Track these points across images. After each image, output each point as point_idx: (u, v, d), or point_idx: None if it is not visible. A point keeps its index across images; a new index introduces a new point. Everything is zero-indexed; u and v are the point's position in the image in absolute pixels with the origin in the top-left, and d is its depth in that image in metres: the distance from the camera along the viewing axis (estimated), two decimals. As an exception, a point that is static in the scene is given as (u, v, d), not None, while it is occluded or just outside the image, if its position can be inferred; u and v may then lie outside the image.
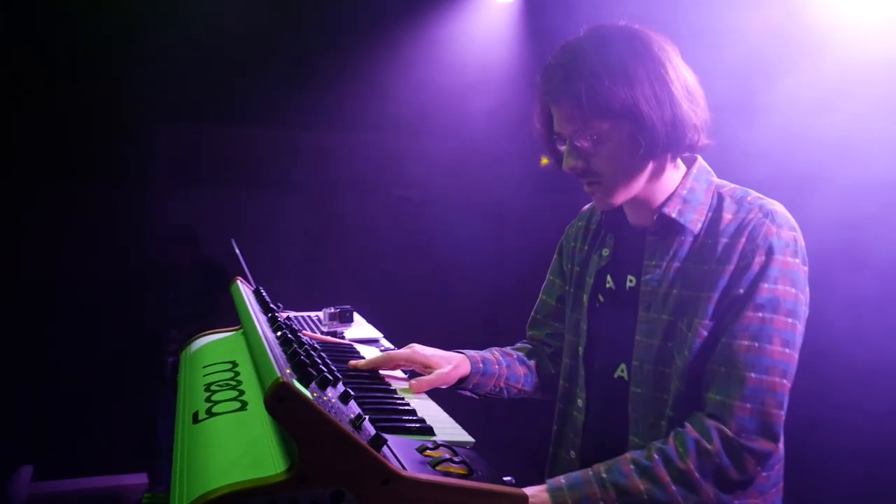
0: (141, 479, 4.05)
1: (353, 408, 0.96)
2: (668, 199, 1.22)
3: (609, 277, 1.32)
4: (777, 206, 1.17)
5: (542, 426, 1.53)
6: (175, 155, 4.35)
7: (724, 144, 1.26)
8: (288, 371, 0.93)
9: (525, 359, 1.49)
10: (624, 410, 1.24)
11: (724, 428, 1.08)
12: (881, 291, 2.03)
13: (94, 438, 3.96)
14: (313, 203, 4.64)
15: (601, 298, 1.33)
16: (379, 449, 0.83)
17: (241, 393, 1.06)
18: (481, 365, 1.40)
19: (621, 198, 1.22)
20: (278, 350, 1.05)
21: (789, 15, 2.27)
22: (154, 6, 3.77)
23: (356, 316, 1.85)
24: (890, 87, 2.04)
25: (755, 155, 2.04)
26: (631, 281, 1.27)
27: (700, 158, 1.27)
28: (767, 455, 1.09)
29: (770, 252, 1.11)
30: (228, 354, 1.29)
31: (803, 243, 1.16)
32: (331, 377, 0.95)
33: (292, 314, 1.85)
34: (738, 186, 1.23)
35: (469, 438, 1.10)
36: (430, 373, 1.35)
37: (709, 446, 1.07)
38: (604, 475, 1.07)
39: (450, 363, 1.36)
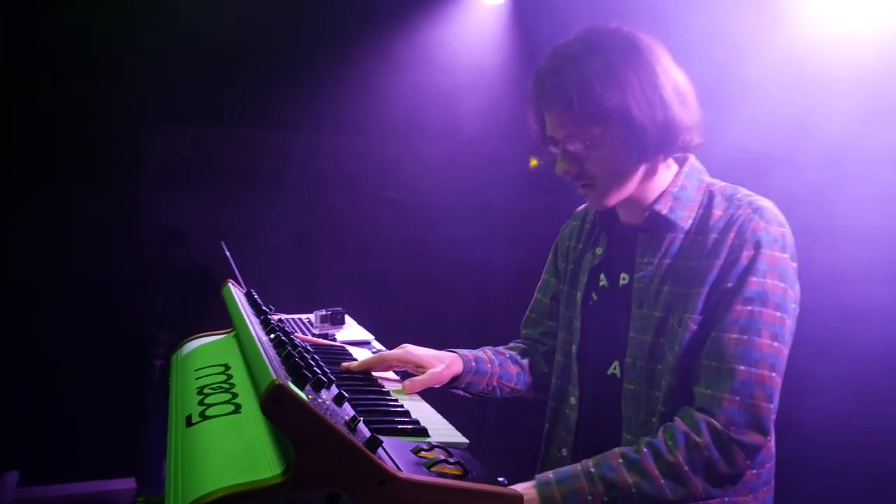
0: (129, 483, 4.02)
1: (348, 410, 0.96)
2: (660, 196, 1.23)
3: (602, 276, 1.33)
4: (766, 203, 1.18)
5: (534, 427, 1.53)
6: (164, 156, 4.32)
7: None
8: (283, 373, 0.93)
9: (518, 357, 1.49)
10: (617, 408, 1.24)
11: (713, 421, 1.08)
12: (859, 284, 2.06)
13: (82, 443, 3.92)
14: (303, 205, 4.62)
15: (595, 296, 1.34)
16: (374, 450, 0.83)
17: (235, 396, 1.05)
18: (474, 364, 1.40)
19: (615, 199, 1.23)
20: (272, 352, 1.04)
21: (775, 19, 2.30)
22: (144, 7, 3.75)
23: (347, 318, 1.84)
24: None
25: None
26: (624, 279, 1.28)
27: (692, 157, 1.28)
28: (757, 448, 1.09)
29: (758, 246, 1.13)
30: (220, 357, 1.28)
31: (792, 240, 1.17)
32: (325, 379, 0.95)
33: (283, 316, 1.84)
34: (728, 184, 1.25)
35: (463, 439, 1.10)
36: (422, 373, 1.35)
37: (698, 439, 1.07)
38: (592, 469, 1.08)
39: (442, 362, 1.36)
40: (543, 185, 3.86)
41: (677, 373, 1.16)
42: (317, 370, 1.00)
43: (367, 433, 0.87)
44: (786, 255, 1.15)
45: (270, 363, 0.94)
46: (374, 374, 1.39)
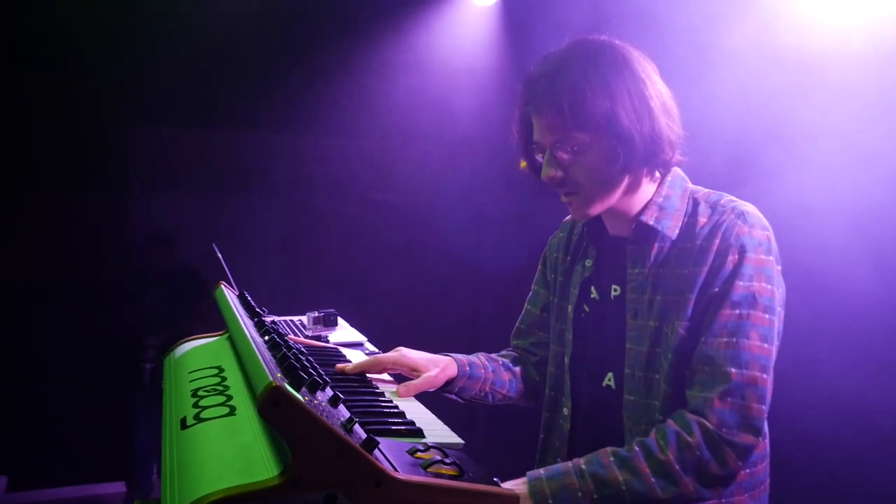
0: (119, 487, 3.98)
1: (343, 411, 0.97)
2: (645, 207, 1.24)
3: (593, 288, 1.34)
4: (749, 207, 1.20)
5: (523, 427, 1.54)
6: (153, 158, 4.30)
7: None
8: (279, 375, 0.93)
9: (510, 365, 1.50)
10: (615, 419, 1.25)
11: (704, 422, 1.09)
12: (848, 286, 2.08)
13: (71, 447, 3.89)
14: (293, 207, 4.62)
15: (586, 309, 1.34)
16: (371, 451, 0.83)
17: (229, 398, 1.05)
18: (468, 368, 1.41)
19: (598, 209, 1.24)
20: (268, 354, 1.04)
21: (767, 26, 2.32)
22: (132, 9, 3.73)
23: (339, 320, 1.84)
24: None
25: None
26: (616, 290, 1.29)
27: (675, 167, 1.29)
28: (749, 449, 1.10)
29: (743, 251, 1.14)
30: (214, 360, 1.28)
31: (775, 243, 1.19)
32: (320, 381, 0.95)
33: (276, 318, 1.84)
34: (712, 191, 1.26)
35: (458, 440, 1.10)
36: (417, 376, 1.35)
37: (689, 439, 1.08)
38: (583, 466, 1.08)
39: (437, 366, 1.37)
40: (535, 190, 3.86)
41: (671, 379, 1.17)
42: (312, 372, 1.00)
43: (363, 434, 0.87)
44: (770, 258, 1.16)
45: (266, 365, 0.94)
46: (368, 376, 1.39)
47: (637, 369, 1.22)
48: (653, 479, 1.07)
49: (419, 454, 0.94)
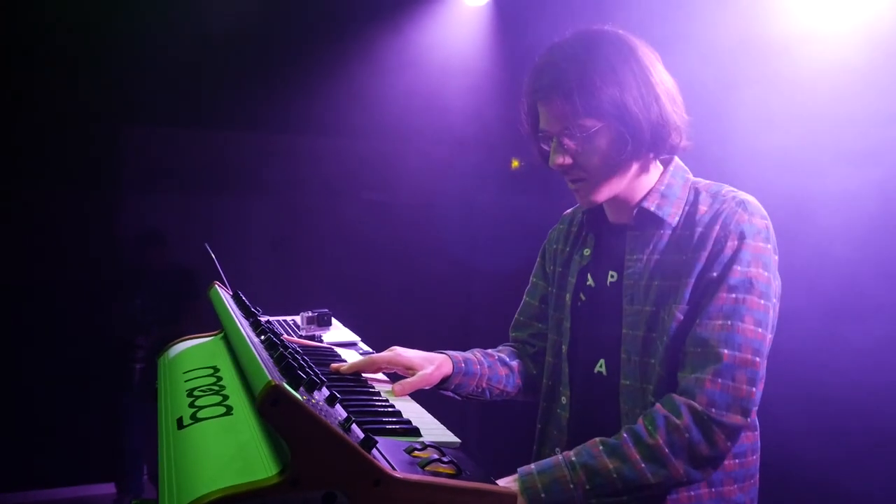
0: (108, 488, 3.96)
1: (340, 411, 0.97)
2: (648, 194, 1.26)
3: (590, 276, 1.35)
4: (750, 198, 1.22)
5: (518, 425, 1.54)
6: (144, 158, 4.27)
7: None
8: (277, 375, 0.93)
9: (507, 360, 1.50)
10: (608, 405, 1.26)
11: (692, 403, 1.09)
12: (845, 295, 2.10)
13: (60, 448, 3.86)
14: (286, 207, 4.60)
15: (583, 297, 1.36)
16: (370, 450, 0.83)
17: (226, 398, 1.05)
18: (463, 365, 1.41)
19: (604, 195, 1.25)
20: (265, 354, 1.04)
21: (754, 24, 2.34)
22: (122, 8, 3.70)
23: (333, 320, 1.84)
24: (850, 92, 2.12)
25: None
26: (612, 276, 1.30)
27: (676, 158, 1.31)
28: (737, 430, 1.11)
29: (742, 237, 1.16)
30: (209, 360, 1.28)
31: (774, 233, 1.21)
32: (317, 380, 0.95)
33: (270, 318, 1.84)
34: (713, 182, 1.28)
35: (455, 439, 1.11)
36: (412, 374, 1.35)
37: (678, 421, 1.08)
38: (573, 458, 1.09)
39: (432, 364, 1.37)
40: (527, 187, 3.88)
41: (666, 363, 1.18)
42: (309, 371, 1.00)
43: (361, 434, 0.88)
44: (769, 246, 1.18)
45: (264, 364, 0.94)
46: (363, 375, 1.39)
47: (633, 354, 1.23)
48: (643, 465, 1.07)
49: (417, 453, 0.94)
